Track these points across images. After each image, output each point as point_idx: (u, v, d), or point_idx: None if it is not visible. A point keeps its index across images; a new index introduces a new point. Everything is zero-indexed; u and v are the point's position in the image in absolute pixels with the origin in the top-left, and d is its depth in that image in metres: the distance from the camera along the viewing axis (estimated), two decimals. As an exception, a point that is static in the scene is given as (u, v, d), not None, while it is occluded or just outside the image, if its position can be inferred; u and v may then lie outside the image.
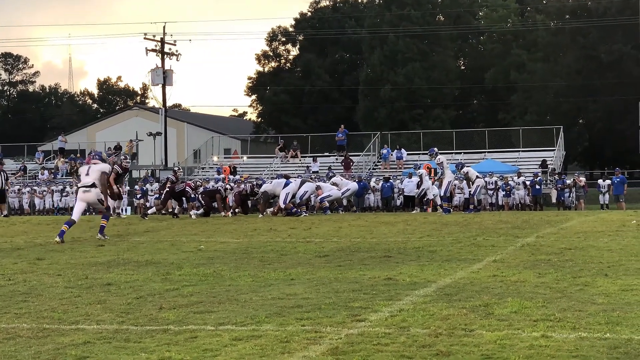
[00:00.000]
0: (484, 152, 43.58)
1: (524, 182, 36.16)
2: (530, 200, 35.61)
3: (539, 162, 41.33)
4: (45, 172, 47.75)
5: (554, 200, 36.78)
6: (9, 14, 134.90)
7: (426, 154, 43.24)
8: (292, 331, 6.46)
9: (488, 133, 45.30)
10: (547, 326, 6.45)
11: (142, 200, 40.23)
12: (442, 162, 26.29)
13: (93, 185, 16.18)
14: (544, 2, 67.47)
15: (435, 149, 27.99)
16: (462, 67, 72.91)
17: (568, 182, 36.79)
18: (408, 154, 44.59)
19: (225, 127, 71.29)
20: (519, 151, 44.43)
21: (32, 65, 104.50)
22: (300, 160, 45.37)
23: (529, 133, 46.98)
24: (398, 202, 36.15)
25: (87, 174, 16.41)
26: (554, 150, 43.07)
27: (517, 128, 48.02)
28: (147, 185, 40.91)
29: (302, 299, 7.97)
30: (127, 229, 19.68)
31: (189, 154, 59.58)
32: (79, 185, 18.10)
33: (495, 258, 11.22)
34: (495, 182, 36.20)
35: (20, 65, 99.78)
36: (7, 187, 32.74)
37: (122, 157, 27.25)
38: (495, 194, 36.15)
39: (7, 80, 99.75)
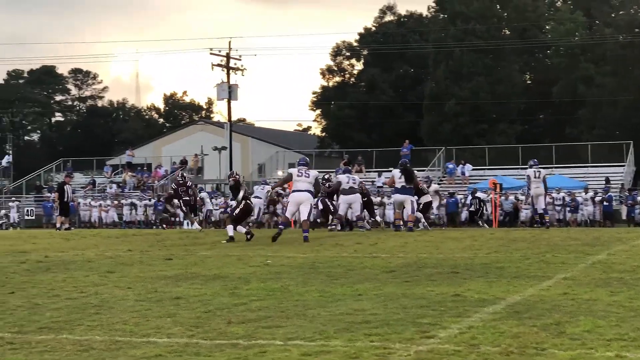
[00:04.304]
0: (551, 167, 43.09)
1: (592, 198, 35.68)
2: (600, 216, 35.10)
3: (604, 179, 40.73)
4: (114, 185, 48.50)
5: (624, 216, 36.22)
6: (79, 31, 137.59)
7: (492, 169, 43.03)
8: (361, 347, 6.44)
9: (555, 148, 44.79)
10: (621, 346, 6.33)
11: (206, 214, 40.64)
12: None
13: None
14: (613, 15, 66.56)
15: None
16: (528, 81, 72.18)
17: (639, 198, 36.21)
18: (473, 169, 44.30)
19: (289, 141, 71.60)
20: (587, 166, 43.83)
21: (101, 80, 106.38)
22: (364, 175, 45.33)
23: (597, 148, 46.32)
24: (463, 218, 35.95)
25: None
26: (623, 165, 42.41)
27: (585, 143, 47.39)
28: (212, 200, 41.36)
29: (370, 315, 7.94)
30: (194, 243, 19.88)
31: (253, 168, 59.98)
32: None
33: (566, 275, 11.06)
34: (563, 198, 35.77)
35: (90, 81, 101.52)
36: (72, 201, 33.46)
37: (178, 175, 27.78)
38: (562, 210, 35.72)
39: (77, 96, 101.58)
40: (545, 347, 6.30)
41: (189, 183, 29.32)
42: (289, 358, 6.14)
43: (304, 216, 20.40)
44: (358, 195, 25.67)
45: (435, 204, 31.02)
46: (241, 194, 21.52)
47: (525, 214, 34.78)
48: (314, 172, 20.80)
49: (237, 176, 22.82)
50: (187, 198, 29.38)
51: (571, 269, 11.95)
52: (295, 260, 14.24)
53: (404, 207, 24.57)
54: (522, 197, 35.88)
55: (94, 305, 8.98)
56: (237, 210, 21.21)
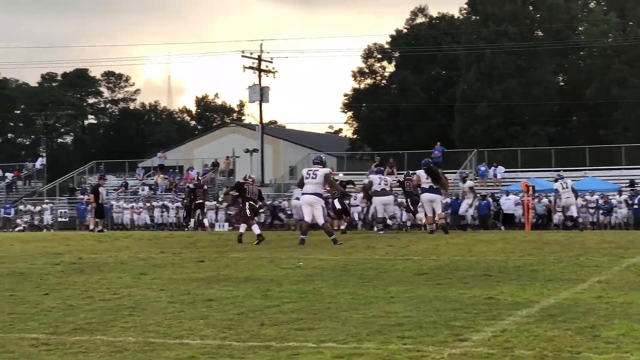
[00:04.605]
0: (585, 169, 42.75)
1: (626, 201, 35.37)
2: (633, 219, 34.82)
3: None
4: (146, 188, 48.75)
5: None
6: (112, 34, 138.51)
7: (525, 171, 42.79)
8: (394, 350, 6.42)
9: (588, 150, 44.44)
10: (657, 350, 6.27)
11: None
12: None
13: None
14: (647, 16, 65.95)
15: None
16: (562, 83, 71.67)
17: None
18: (505, 172, 44.07)
19: (321, 143, 71.59)
20: (620, 169, 43.43)
21: (133, 83, 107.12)
22: (396, 177, 45.21)
23: (631, 150, 45.88)
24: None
25: None
26: (657, 167, 42.03)
27: (618, 145, 46.95)
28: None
29: (403, 317, 7.92)
30: (226, 245, 19.95)
31: (285, 170, 60.02)
32: None
33: (600, 279, 10.96)
34: (597, 200, 35.49)
35: (122, 84, 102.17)
36: (105, 203, 33.75)
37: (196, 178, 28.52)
38: (596, 212, 35.45)
39: (110, 98, 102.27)
40: (580, 351, 6.24)
41: (205, 187, 30.35)
42: (321, 360, 6.14)
43: (320, 221, 20.40)
44: (392, 197, 25.91)
45: (469, 201, 31.16)
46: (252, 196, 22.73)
47: (558, 216, 34.55)
48: (322, 171, 20.59)
49: (250, 179, 23.48)
50: (200, 201, 30.70)
51: (605, 272, 11.85)
52: (327, 262, 14.24)
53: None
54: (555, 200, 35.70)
55: (127, 306, 9.03)
56: (247, 212, 22.41)
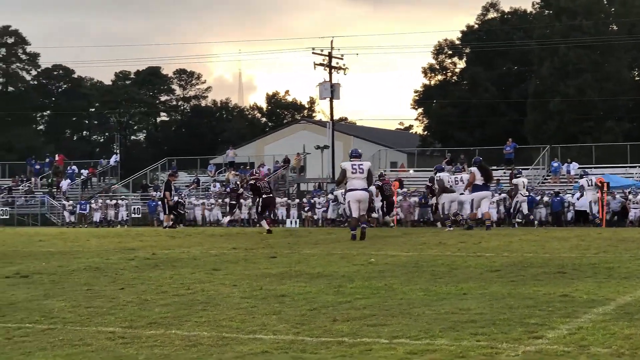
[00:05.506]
0: (661, 165, 41.92)
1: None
2: None
3: None
4: (217, 184, 49.14)
5: None
6: (183, 32, 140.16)
7: (599, 167, 42.11)
8: (467, 346, 6.37)
9: (666, 146, 43.58)
10: None
11: (309, 213, 40.91)
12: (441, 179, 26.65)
13: None
14: None
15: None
16: (637, 78, 70.30)
17: None
18: (579, 168, 43.40)
19: (391, 140, 71.44)
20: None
21: (205, 80, 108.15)
22: (467, 173, 44.84)
23: None
24: (569, 217, 35.29)
25: None
26: None
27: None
28: (315, 199, 41.54)
29: (476, 314, 7.85)
30: (297, 241, 20.02)
31: (355, 167, 59.91)
32: None
33: (678, 276, 10.74)
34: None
35: (194, 81, 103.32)
36: (179, 200, 34.30)
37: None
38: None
39: (182, 96, 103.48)
40: (659, 350, 6.13)
41: (240, 191, 33.03)
42: (394, 356, 6.12)
43: (362, 212, 20.38)
44: (456, 194, 26.29)
45: (520, 198, 32.28)
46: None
47: (634, 213, 33.95)
48: (367, 165, 20.59)
49: (257, 174, 26.00)
50: (233, 202, 33.37)
51: (684, 269, 11.60)
52: (398, 258, 14.21)
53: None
54: (631, 197, 35.06)
55: (200, 302, 9.12)
56: (258, 207, 26.06)
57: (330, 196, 40.87)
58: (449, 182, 26.41)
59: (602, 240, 18.21)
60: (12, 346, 6.82)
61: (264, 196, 25.93)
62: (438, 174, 27.53)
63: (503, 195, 35.74)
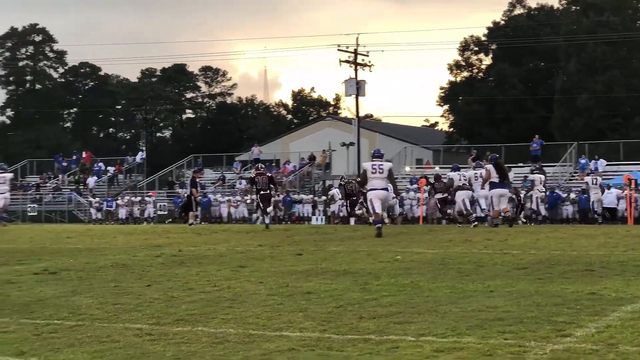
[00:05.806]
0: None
1: None
2: None
3: None
4: (243, 181, 49.21)
5: None
6: (209, 30, 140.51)
7: (627, 164, 41.81)
8: (495, 344, 6.34)
9: (694, 143, 43.18)
10: None
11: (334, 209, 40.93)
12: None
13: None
14: None
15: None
16: (665, 74, 69.68)
17: None
18: (607, 165, 43.12)
19: (417, 137, 71.26)
20: None
21: (230, 77, 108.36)
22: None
23: None
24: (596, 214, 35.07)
25: None
26: None
27: None
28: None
29: (503, 312, 7.81)
30: (323, 239, 20.02)
31: (381, 164, 59.82)
32: None
33: None
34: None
35: (219, 78, 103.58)
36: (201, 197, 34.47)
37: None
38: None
39: (207, 93, 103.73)
40: (689, 349, 6.06)
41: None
42: (421, 354, 6.09)
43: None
44: (469, 192, 26.76)
45: (537, 195, 32.61)
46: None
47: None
48: (387, 165, 20.83)
49: (261, 169, 27.14)
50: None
51: None
52: (424, 256, 14.17)
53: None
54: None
55: (227, 299, 9.14)
56: (259, 203, 27.80)
57: (332, 191, 41.13)
58: (460, 180, 27.11)
59: (630, 237, 18.08)
60: (41, 342, 6.86)
61: (261, 192, 27.01)
62: (449, 174, 28.29)
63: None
